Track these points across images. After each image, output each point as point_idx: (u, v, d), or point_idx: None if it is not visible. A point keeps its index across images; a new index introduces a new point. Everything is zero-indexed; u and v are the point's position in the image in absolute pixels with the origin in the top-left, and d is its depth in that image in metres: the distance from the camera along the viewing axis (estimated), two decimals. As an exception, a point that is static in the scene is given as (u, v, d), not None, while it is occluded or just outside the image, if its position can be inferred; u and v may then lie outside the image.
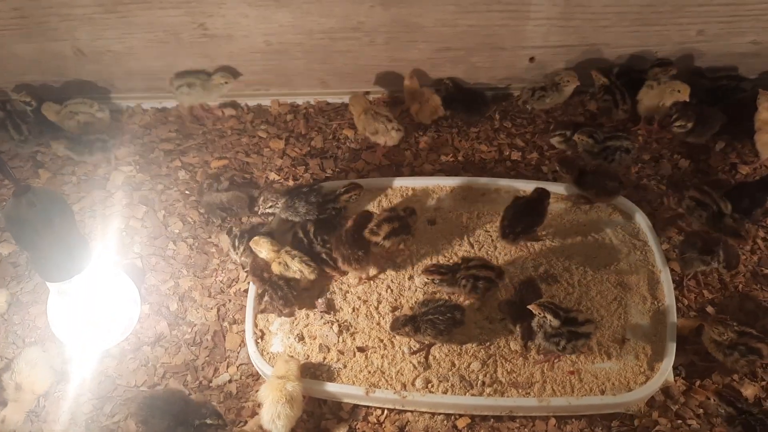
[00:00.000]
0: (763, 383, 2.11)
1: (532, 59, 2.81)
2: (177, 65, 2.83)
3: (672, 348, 2.09)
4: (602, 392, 2.05)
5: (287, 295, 2.18)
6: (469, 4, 2.61)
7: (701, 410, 2.06)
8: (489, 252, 2.36)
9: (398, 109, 2.86)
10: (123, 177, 2.69)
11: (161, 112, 2.94)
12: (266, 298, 2.19)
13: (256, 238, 2.30)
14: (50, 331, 2.21)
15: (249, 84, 2.90)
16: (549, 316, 2.01)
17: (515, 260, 2.34)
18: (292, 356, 2.13)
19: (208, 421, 1.93)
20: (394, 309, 2.24)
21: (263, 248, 2.28)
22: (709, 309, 2.26)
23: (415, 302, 2.21)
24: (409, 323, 2.08)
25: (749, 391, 2.09)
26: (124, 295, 2.19)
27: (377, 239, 2.24)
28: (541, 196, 2.34)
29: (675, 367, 2.10)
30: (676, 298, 2.22)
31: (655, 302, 2.22)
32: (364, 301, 2.26)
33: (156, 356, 2.23)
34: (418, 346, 2.16)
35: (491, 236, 2.41)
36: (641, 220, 2.41)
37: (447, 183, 2.56)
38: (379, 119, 2.63)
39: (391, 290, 2.28)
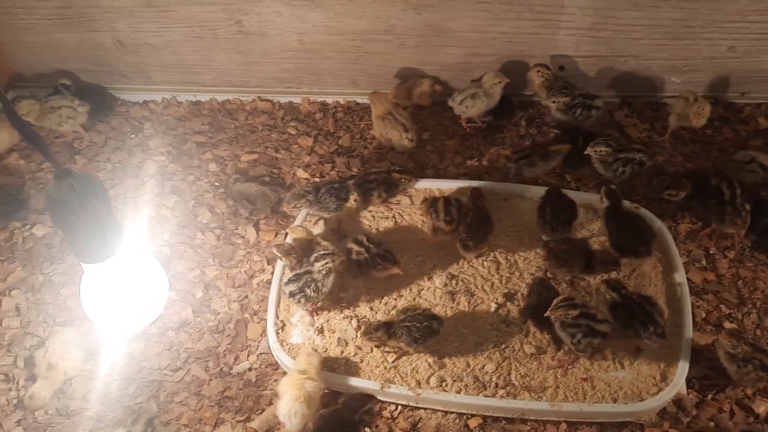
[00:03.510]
0: (776, 400, 2.12)
1: (562, 68, 2.84)
2: (212, 60, 2.90)
3: (686, 360, 2.11)
4: (614, 400, 2.07)
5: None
6: (500, 11, 2.65)
7: (712, 423, 2.07)
8: (509, 257, 2.39)
9: (425, 111, 2.90)
10: (156, 166, 2.77)
11: (195, 105, 3.01)
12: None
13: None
14: (80, 312, 2.28)
15: (281, 81, 2.97)
16: (570, 311, 2.04)
17: (533, 266, 2.36)
18: (315, 350, 2.18)
19: (365, 409, 1.99)
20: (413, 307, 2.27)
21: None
22: (726, 324, 2.27)
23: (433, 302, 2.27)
24: (382, 328, 2.11)
25: (762, 408, 2.09)
26: (153, 280, 2.26)
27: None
28: (557, 193, 2.39)
29: (688, 380, 2.11)
30: (693, 311, 2.23)
31: (672, 314, 2.23)
32: (383, 298, 2.31)
33: (180, 341, 2.30)
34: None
35: (512, 240, 2.44)
36: (662, 232, 2.42)
37: (470, 187, 2.58)
38: (396, 127, 2.65)
39: (410, 289, 2.32)
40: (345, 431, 1.98)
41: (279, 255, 2.33)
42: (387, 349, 2.17)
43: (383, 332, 2.11)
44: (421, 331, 2.10)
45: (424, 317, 2.12)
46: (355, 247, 2.30)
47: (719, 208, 2.37)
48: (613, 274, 2.28)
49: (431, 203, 2.40)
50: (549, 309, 2.06)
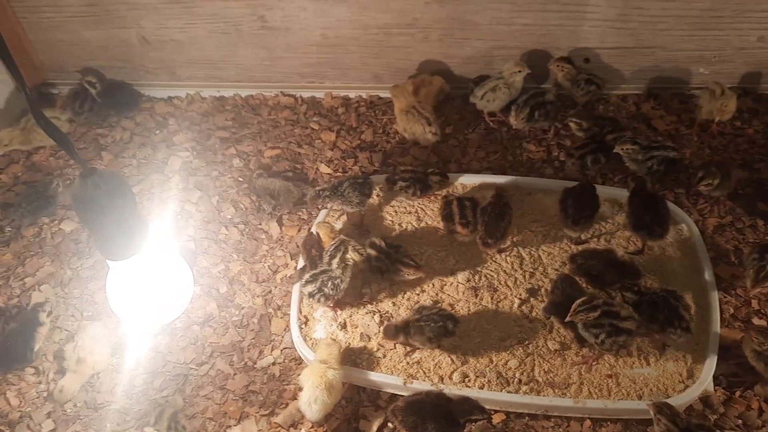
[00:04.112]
0: (806, 398, 2.08)
1: (587, 60, 2.80)
2: (236, 55, 2.92)
3: (713, 357, 2.08)
4: (639, 397, 2.05)
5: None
6: (524, 3, 2.63)
7: (740, 421, 2.04)
8: (532, 252, 2.38)
9: (448, 105, 2.89)
10: (180, 162, 2.79)
11: (219, 100, 3.03)
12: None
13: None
14: (107, 307, 2.31)
15: (304, 76, 2.97)
16: (591, 314, 2.02)
17: (557, 261, 2.34)
18: (334, 340, 2.19)
19: (473, 417, 1.96)
20: (435, 303, 2.27)
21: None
22: (755, 320, 2.23)
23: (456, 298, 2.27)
24: (401, 331, 2.12)
25: (790, 405, 2.06)
26: (178, 275, 2.28)
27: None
28: (580, 185, 2.37)
29: (716, 377, 2.08)
30: (721, 307, 2.20)
31: (699, 310, 2.20)
32: (405, 293, 2.31)
33: (205, 336, 2.32)
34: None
35: (536, 236, 2.42)
36: (689, 227, 2.39)
37: (493, 181, 2.57)
38: (419, 120, 2.63)
39: (433, 284, 2.32)
40: (441, 425, 1.94)
41: (300, 245, 2.34)
42: (408, 347, 2.18)
43: (403, 335, 2.11)
44: (435, 331, 2.09)
45: (440, 317, 2.10)
46: (374, 253, 2.28)
47: (760, 269, 2.23)
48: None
49: (445, 206, 2.38)
50: (569, 314, 2.03)
